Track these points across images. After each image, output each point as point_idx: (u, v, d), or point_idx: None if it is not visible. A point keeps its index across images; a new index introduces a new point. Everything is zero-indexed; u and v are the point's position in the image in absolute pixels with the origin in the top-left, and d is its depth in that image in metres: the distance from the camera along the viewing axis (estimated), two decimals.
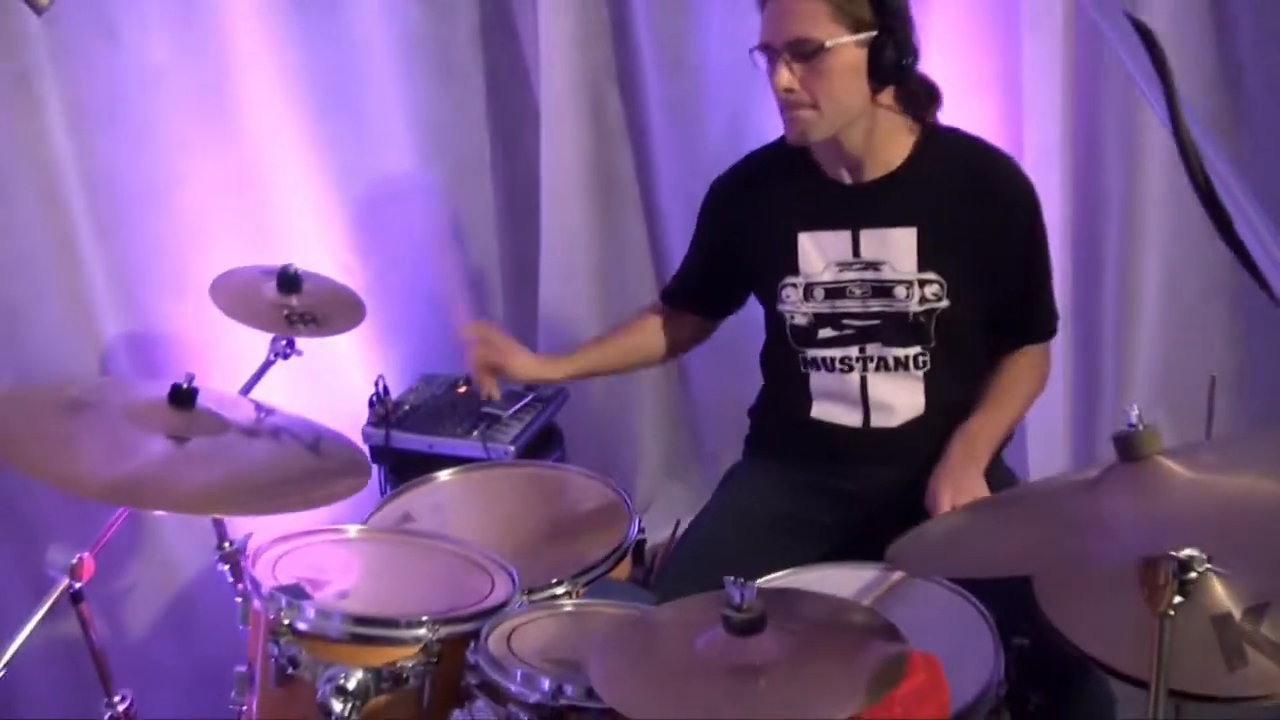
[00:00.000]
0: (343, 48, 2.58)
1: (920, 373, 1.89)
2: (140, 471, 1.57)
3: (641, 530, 1.91)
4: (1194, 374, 2.46)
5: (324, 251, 2.64)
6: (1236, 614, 1.26)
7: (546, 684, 1.34)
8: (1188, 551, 1.10)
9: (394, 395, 2.49)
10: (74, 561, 1.60)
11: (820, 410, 1.96)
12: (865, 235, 1.87)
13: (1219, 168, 0.75)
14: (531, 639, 1.47)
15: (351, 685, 1.42)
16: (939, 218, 1.84)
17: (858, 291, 1.89)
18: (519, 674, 1.37)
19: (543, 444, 2.47)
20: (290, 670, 1.46)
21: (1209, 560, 1.11)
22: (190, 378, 1.70)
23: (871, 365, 1.91)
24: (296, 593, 1.51)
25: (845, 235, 1.88)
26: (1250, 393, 2.47)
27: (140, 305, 2.42)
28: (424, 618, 1.48)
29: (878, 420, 1.92)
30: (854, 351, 1.91)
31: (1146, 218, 2.40)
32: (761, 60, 1.80)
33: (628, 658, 1.22)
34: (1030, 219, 1.89)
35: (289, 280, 2.09)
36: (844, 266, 1.89)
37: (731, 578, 1.19)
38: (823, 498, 1.96)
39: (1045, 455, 2.50)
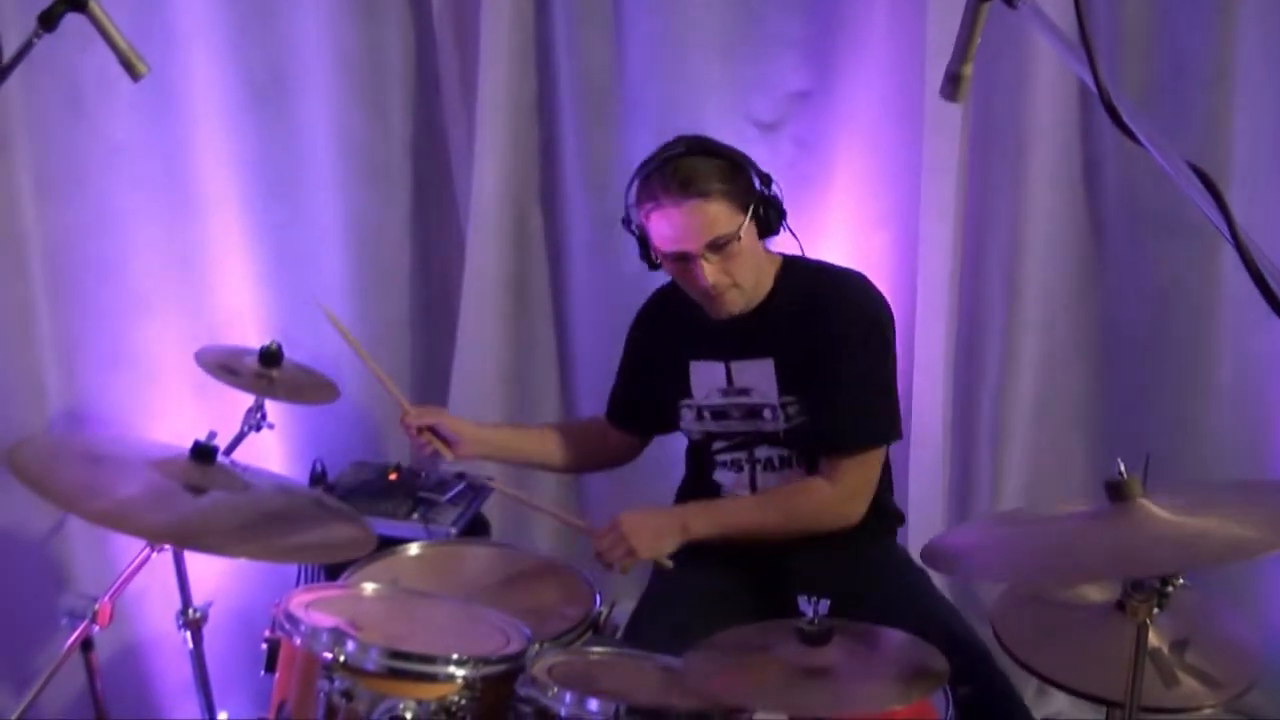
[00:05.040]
0: (288, 143, 2.69)
1: (801, 469, 2.10)
2: (180, 515, 1.61)
3: (601, 603, 2.04)
4: (1054, 487, 2.80)
5: (253, 335, 2.68)
6: (1165, 648, 1.56)
7: (595, 705, 1.47)
8: None
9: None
10: (95, 607, 1.61)
11: None
12: (734, 366, 2.10)
13: (1265, 259, 1.03)
14: (571, 675, 1.58)
15: (409, 716, 1.49)
16: (792, 346, 2.04)
17: (736, 414, 2.11)
18: (567, 696, 1.49)
19: (472, 531, 2.56)
20: (344, 704, 1.51)
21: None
22: (212, 435, 1.76)
23: (760, 466, 2.12)
24: (340, 632, 1.57)
25: (720, 366, 2.11)
26: None
27: (82, 375, 2.41)
28: (467, 657, 1.57)
29: None
30: (743, 455, 2.13)
31: (1024, 347, 2.74)
32: (669, 264, 2.00)
33: (716, 662, 1.38)
34: (868, 328, 2.02)
35: (270, 355, 2.17)
36: (723, 393, 2.11)
37: (805, 597, 1.37)
38: (739, 572, 2.12)
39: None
